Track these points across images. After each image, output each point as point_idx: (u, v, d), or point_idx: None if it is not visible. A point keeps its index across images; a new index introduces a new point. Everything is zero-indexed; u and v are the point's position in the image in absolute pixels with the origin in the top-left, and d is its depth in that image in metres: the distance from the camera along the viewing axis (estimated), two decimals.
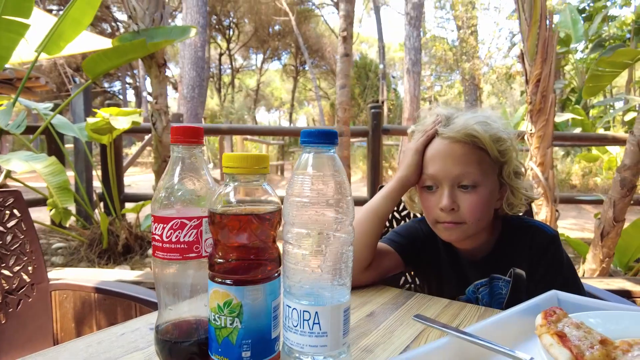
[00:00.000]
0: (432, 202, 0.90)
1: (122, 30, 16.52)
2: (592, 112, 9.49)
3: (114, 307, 1.87)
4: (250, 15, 18.48)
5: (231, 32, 19.79)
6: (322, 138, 0.48)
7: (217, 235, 0.50)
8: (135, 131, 3.88)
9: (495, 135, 0.89)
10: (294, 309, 0.47)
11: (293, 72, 21.60)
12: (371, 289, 0.90)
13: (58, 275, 2.20)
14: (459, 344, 0.54)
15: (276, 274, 0.51)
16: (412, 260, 1.03)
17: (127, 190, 4.14)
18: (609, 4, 9.67)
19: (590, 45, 9.56)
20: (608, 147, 6.44)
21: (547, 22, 2.96)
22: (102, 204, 3.52)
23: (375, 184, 3.66)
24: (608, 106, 9.32)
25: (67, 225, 3.33)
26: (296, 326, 0.47)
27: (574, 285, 0.94)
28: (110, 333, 0.67)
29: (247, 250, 0.50)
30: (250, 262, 0.50)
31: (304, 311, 0.46)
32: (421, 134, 0.94)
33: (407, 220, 1.29)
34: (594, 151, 7.25)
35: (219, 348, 0.49)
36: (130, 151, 11.56)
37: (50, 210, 2.64)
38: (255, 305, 0.49)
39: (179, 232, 0.53)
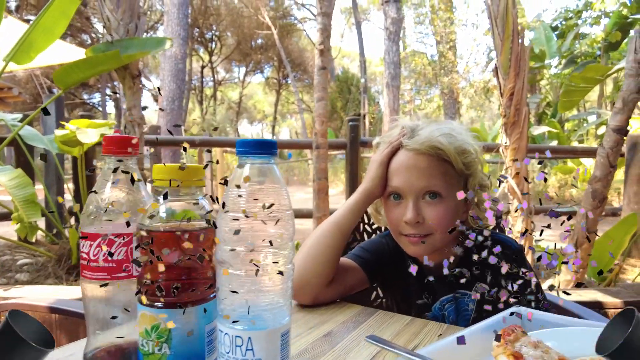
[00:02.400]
0: (396, 214, 0.89)
1: (102, 41, 16.32)
2: (567, 126, 9.75)
3: (75, 327, 1.78)
4: (233, 28, 18.51)
5: (213, 45, 19.76)
6: (260, 148, 0.45)
7: (145, 254, 0.46)
8: None
9: (460, 148, 0.88)
10: (225, 333, 0.43)
11: (276, 85, 21.64)
12: (333, 307, 0.87)
13: (18, 293, 2.10)
14: None
15: (211, 296, 0.48)
16: (378, 276, 1.00)
17: None
18: (579, 22, 10.01)
19: (563, 61, 9.86)
20: (582, 160, 6.58)
21: (519, 37, 3.02)
22: (73, 218, 3.41)
23: None
24: (582, 120, 9.58)
25: (35, 241, 3.20)
26: (228, 352, 0.43)
27: (537, 300, 0.93)
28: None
29: (178, 270, 0.46)
30: (181, 283, 0.46)
31: (235, 336, 0.42)
32: (386, 145, 0.92)
33: (380, 233, 1.27)
34: (570, 163, 7.40)
35: None
36: None
37: (16, 224, 2.53)
38: (187, 329, 0.45)
39: (107, 250, 0.49)
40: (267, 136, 26.89)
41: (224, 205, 0.44)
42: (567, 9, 10.17)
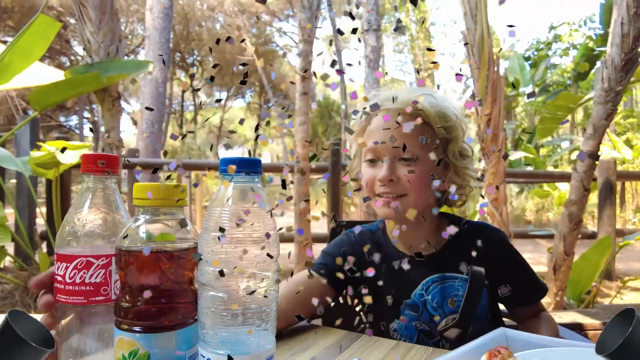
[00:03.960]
0: (371, 175, 0.88)
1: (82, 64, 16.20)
2: (542, 151, 10.04)
3: None
4: (215, 53, 18.66)
5: (195, 69, 19.83)
6: (245, 167, 0.44)
7: (124, 276, 0.44)
8: None
9: (441, 112, 0.87)
10: (207, 358, 0.41)
11: (257, 110, 21.76)
12: (314, 332, 0.84)
13: None
14: None
15: (191, 320, 0.46)
16: (343, 278, 0.96)
17: None
18: (550, 53, 10.48)
19: (537, 90, 10.24)
20: (558, 184, 6.76)
21: (495, 65, 3.13)
22: (45, 244, 3.28)
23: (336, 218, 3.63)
24: (556, 145, 9.89)
25: (2, 267, 3.07)
26: None
27: (536, 281, 0.94)
28: None
29: (157, 293, 0.44)
30: (161, 306, 0.44)
31: None
32: (357, 125, 0.93)
33: None
34: (546, 187, 7.60)
35: None
36: None
37: None
38: (166, 355, 0.43)
39: (84, 272, 0.47)
40: None
41: (206, 224, 0.43)
42: (539, 41, 10.65)
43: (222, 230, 0.42)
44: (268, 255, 0.43)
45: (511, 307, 0.96)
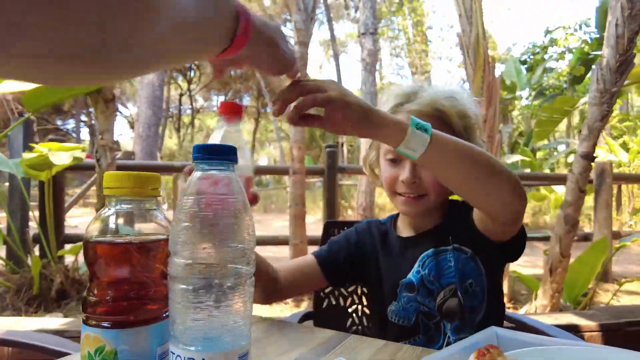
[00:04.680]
0: (393, 173, 0.88)
1: None
2: (539, 155, 10.06)
3: None
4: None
5: (192, 74, 19.85)
6: (218, 154, 0.42)
7: (92, 269, 0.42)
8: (81, 168, 3.67)
9: (461, 112, 0.87)
10: (177, 355, 0.39)
11: (254, 114, 21.76)
12: (303, 332, 0.82)
13: None
14: None
15: (163, 315, 0.44)
16: (346, 264, 0.97)
17: (71, 231, 3.86)
18: (546, 57, 10.53)
19: (533, 93, 10.29)
20: (554, 187, 6.77)
21: (490, 67, 3.13)
22: (37, 246, 3.25)
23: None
24: (552, 149, 9.92)
25: None
26: None
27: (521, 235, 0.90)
28: None
29: (126, 287, 0.42)
30: (130, 301, 0.42)
31: (188, 358, 0.38)
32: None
33: None
34: (542, 190, 7.60)
35: None
36: (80, 190, 11.02)
37: None
38: (135, 352, 0.41)
39: None
40: None
41: (177, 215, 0.41)
42: (535, 45, 10.70)
43: (193, 220, 0.40)
44: (241, 246, 0.42)
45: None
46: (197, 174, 0.42)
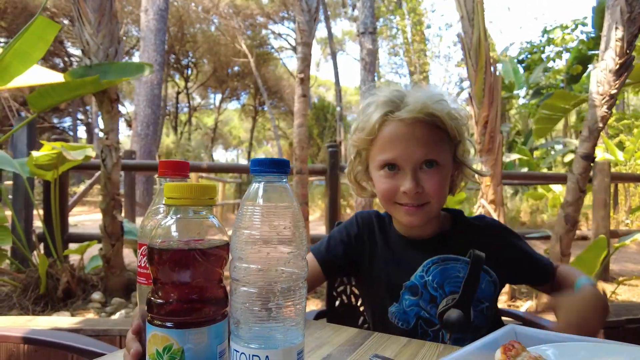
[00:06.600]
0: (391, 185, 0.87)
1: (75, 65, 16.13)
2: (536, 154, 10.13)
3: (46, 359, 1.69)
4: (209, 55, 18.64)
5: (189, 72, 19.80)
6: (274, 167, 0.46)
7: (156, 274, 0.46)
8: (84, 168, 3.69)
9: (451, 113, 0.88)
10: (242, 353, 0.43)
11: (252, 112, 21.75)
12: (327, 330, 0.86)
13: None
14: None
15: (222, 316, 0.47)
16: (344, 259, 0.98)
17: (72, 230, 3.88)
18: (544, 56, 10.59)
19: (530, 92, 10.35)
20: (552, 186, 6.84)
21: (492, 68, 3.17)
22: (42, 245, 3.27)
23: (333, 221, 3.65)
24: (549, 148, 9.99)
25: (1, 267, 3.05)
26: None
27: (541, 259, 0.97)
28: None
29: (190, 290, 0.45)
30: (193, 302, 0.45)
31: (253, 355, 0.42)
32: (363, 132, 0.90)
33: None
34: (540, 189, 7.67)
35: None
36: (78, 189, 11.00)
37: None
38: (199, 350, 0.44)
39: (147, 258, 0.53)
40: (243, 162, 26.75)
41: (239, 222, 0.45)
42: (532, 44, 10.76)
43: (254, 228, 0.44)
44: (296, 252, 0.45)
45: (533, 286, 1.00)
46: (255, 185, 0.46)
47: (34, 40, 2.88)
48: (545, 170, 8.48)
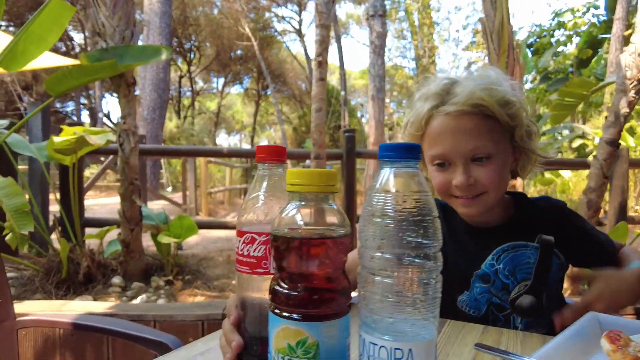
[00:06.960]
0: (444, 179, 0.86)
1: (77, 49, 15.96)
2: (542, 139, 10.07)
3: (82, 343, 1.70)
4: (212, 39, 18.40)
5: (192, 55, 19.59)
6: (405, 152, 0.44)
7: (282, 262, 0.44)
8: (98, 152, 3.66)
9: (502, 100, 0.84)
10: (382, 346, 0.41)
11: (255, 96, 21.57)
12: None
13: (18, 309, 1.98)
14: None
15: (348, 308, 0.45)
16: None
17: (89, 214, 3.88)
18: (553, 40, 10.44)
19: (538, 77, 10.23)
20: (561, 172, 6.81)
21: (515, 52, 3.11)
22: (59, 229, 3.26)
23: (350, 205, 3.64)
24: (556, 133, 9.93)
25: (20, 253, 3.05)
26: None
27: (606, 242, 0.96)
28: None
29: (318, 280, 0.44)
30: (324, 294, 0.43)
31: (395, 349, 0.40)
32: (412, 128, 0.90)
33: None
34: (547, 175, 7.64)
35: None
36: (86, 173, 10.98)
37: (6, 235, 2.41)
38: (332, 344, 0.43)
39: (250, 247, 0.53)
40: (246, 146, 26.64)
41: (371, 210, 0.43)
42: (542, 28, 10.60)
43: (386, 215, 0.42)
44: (431, 241, 0.43)
45: (595, 268, 0.98)
46: (385, 171, 0.44)
47: (49, 24, 2.82)
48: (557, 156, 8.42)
